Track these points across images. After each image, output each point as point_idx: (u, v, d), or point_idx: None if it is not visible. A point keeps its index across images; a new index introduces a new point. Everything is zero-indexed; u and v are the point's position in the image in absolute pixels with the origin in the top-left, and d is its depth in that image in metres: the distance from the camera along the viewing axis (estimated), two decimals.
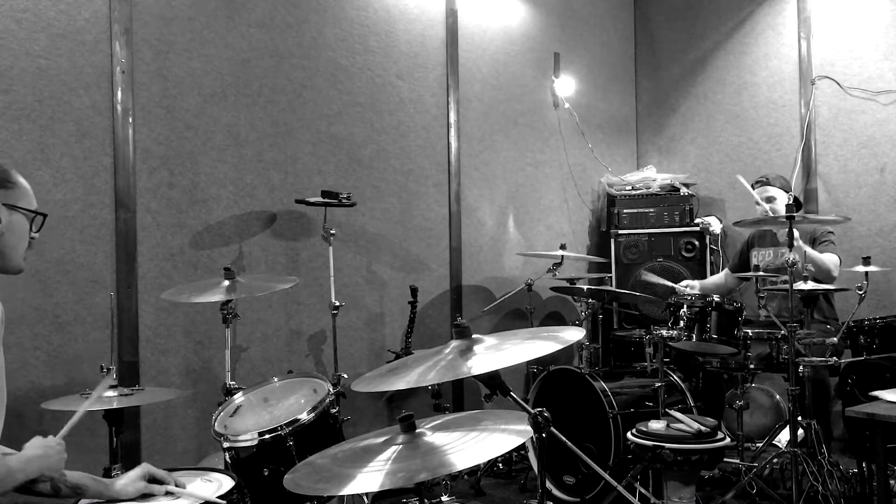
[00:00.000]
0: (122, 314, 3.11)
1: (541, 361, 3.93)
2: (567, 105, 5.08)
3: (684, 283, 4.10)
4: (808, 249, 3.55)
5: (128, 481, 1.76)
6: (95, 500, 1.74)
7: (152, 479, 1.79)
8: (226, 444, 2.46)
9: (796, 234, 3.23)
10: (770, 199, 3.91)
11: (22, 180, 1.75)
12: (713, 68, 5.23)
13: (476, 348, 1.59)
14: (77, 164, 3.04)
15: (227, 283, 2.89)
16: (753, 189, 3.95)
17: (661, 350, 3.40)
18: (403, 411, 1.65)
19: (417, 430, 1.58)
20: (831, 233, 3.84)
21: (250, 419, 2.63)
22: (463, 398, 4.41)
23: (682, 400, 3.53)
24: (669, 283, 4.02)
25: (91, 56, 3.08)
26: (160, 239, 3.26)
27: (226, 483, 1.85)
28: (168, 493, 1.77)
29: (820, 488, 3.00)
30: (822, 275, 3.58)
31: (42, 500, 1.68)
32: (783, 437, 3.68)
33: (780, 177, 4.10)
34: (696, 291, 3.93)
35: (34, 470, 1.61)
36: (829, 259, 3.65)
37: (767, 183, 3.97)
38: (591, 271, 5.15)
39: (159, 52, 3.28)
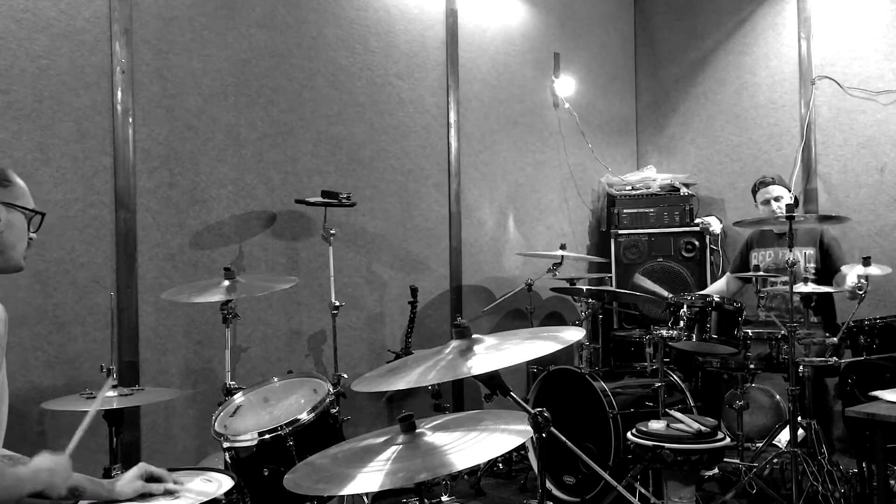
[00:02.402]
0: (122, 314, 3.11)
1: (541, 361, 3.93)
2: (567, 105, 5.08)
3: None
4: (852, 276, 3.42)
5: (125, 481, 1.75)
6: (93, 502, 1.73)
7: (150, 478, 1.79)
8: (226, 444, 2.46)
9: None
10: (778, 198, 3.93)
11: (19, 180, 1.77)
12: (713, 68, 5.23)
13: (476, 348, 1.59)
14: (77, 164, 3.04)
15: (227, 283, 2.89)
16: (756, 192, 3.98)
17: (661, 350, 3.40)
18: (403, 411, 1.65)
19: (417, 430, 1.58)
20: (836, 237, 3.85)
21: (250, 419, 2.63)
22: (463, 398, 4.41)
23: (682, 400, 3.53)
24: (664, 293, 3.98)
25: (91, 56, 3.08)
26: (160, 239, 3.26)
27: (225, 483, 1.85)
28: (167, 493, 1.77)
29: (820, 488, 3.00)
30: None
31: (40, 501, 1.67)
32: (783, 437, 3.68)
33: (780, 177, 4.12)
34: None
35: (42, 482, 1.61)
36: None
37: (774, 183, 4.01)
38: (591, 271, 5.15)
39: (159, 52, 3.27)
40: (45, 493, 1.62)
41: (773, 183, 4.00)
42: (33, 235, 1.78)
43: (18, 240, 1.73)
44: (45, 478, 1.62)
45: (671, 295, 3.88)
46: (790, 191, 4.01)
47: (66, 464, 1.68)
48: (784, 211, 3.65)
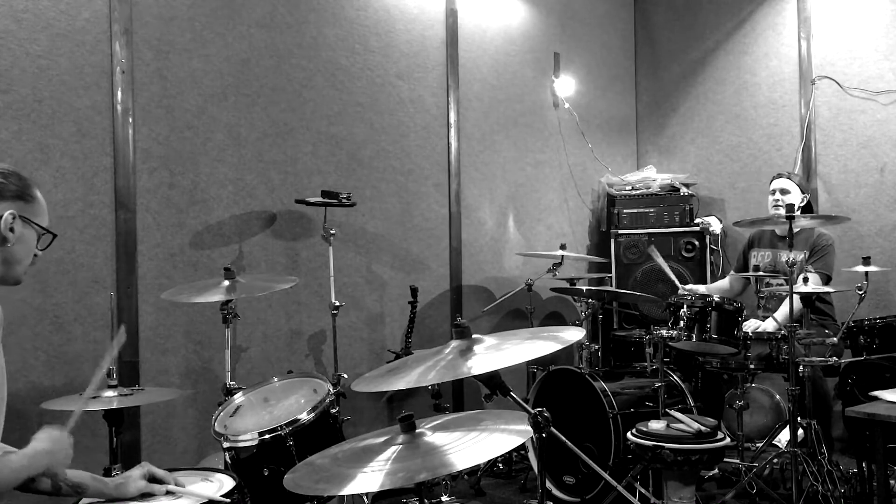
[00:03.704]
0: (122, 314, 3.11)
1: (541, 361, 3.93)
2: (567, 105, 5.08)
3: (687, 287, 4.04)
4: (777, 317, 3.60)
5: (128, 480, 1.76)
6: (96, 500, 1.74)
7: (152, 479, 1.79)
8: (226, 444, 2.46)
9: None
10: (784, 192, 3.90)
11: (41, 196, 1.78)
12: (713, 68, 5.23)
13: (476, 348, 1.59)
14: (77, 164, 3.04)
15: (227, 283, 2.89)
16: (771, 183, 3.95)
17: (661, 350, 3.40)
18: (403, 411, 1.65)
19: (417, 430, 1.58)
20: (830, 245, 3.81)
21: (250, 419, 2.63)
22: (463, 398, 4.41)
23: (682, 400, 3.53)
24: (674, 276, 3.94)
25: (91, 56, 3.08)
26: (160, 239, 3.26)
27: (226, 483, 1.85)
28: (168, 493, 1.77)
29: (820, 488, 3.00)
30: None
31: (42, 498, 1.68)
32: (783, 437, 3.68)
33: (801, 177, 4.10)
34: (698, 291, 3.91)
35: (41, 465, 1.61)
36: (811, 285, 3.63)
37: (788, 177, 3.95)
38: (591, 271, 5.15)
39: (159, 52, 3.27)
40: (45, 475, 1.62)
41: (787, 177, 3.94)
42: (39, 253, 1.79)
43: (25, 255, 1.74)
44: (44, 461, 1.62)
45: (681, 286, 3.87)
46: (806, 193, 3.96)
47: (67, 441, 1.68)
48: (786, 207, 3.65)
